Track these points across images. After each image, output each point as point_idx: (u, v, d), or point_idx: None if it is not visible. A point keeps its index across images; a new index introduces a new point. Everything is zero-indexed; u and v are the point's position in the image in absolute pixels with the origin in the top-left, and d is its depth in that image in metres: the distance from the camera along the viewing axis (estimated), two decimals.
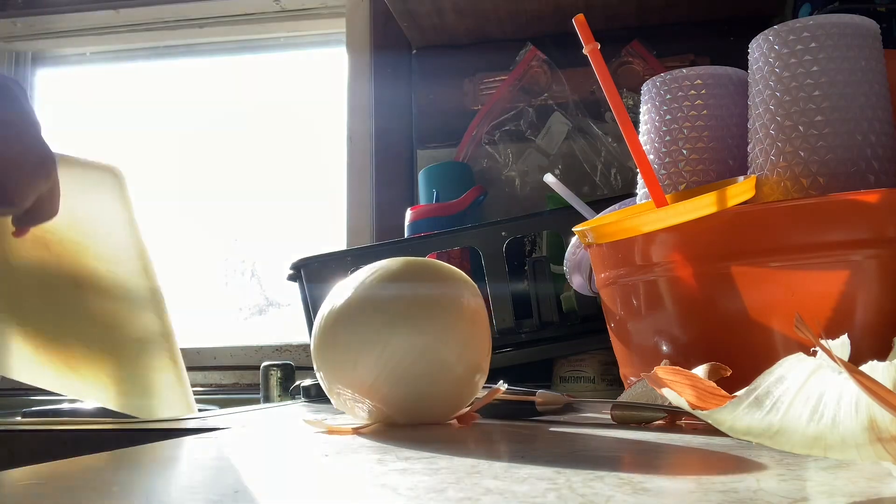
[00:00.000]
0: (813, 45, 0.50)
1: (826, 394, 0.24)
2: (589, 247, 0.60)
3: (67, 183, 0.62)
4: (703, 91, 0.59)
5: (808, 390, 0.24)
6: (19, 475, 0.31)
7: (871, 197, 0.45)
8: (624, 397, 0.48)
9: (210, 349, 1.34)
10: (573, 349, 0.87)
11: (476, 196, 1.11)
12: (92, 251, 0.70)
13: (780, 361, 0.25)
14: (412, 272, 0.48)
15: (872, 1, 0.82)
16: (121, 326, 0.73)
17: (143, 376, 0.75)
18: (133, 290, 0.71)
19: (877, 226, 0.45)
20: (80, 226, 0.67)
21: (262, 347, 1.34)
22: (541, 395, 0.51)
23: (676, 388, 0.31)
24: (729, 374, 0.41)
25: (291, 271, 0.92)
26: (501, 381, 0.51)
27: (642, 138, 0.62)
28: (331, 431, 0.45)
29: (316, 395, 0.82)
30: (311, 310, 0.91)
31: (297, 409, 0.72)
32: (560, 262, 0.75)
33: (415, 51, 1.29)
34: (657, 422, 0.46)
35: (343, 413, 0.60)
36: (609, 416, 0.48)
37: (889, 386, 0.23)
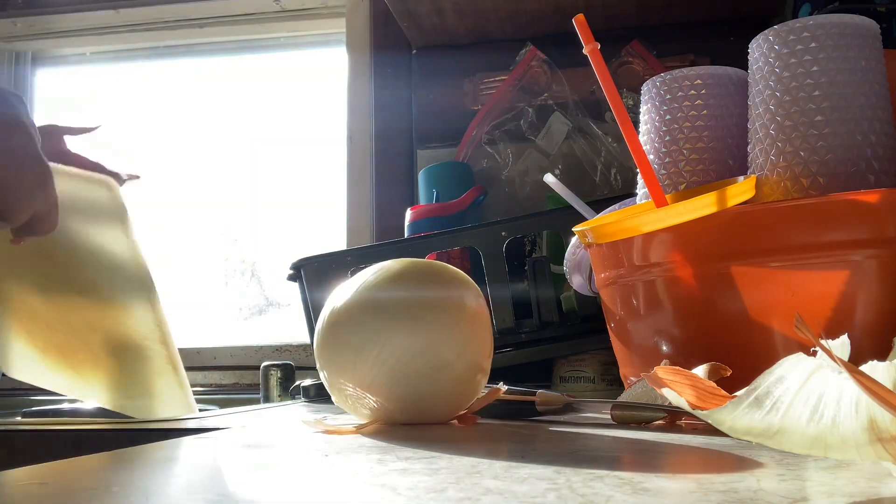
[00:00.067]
0: (813, 45, 0.50)
1: (826, 394, 0.24)
2: (589, 247, 0.60)
3: (63, 195, 0.62)
4: (703, 91, 0.59)
5: (808, 390, 0.24)
6: (19, 475, 0.31)
7: (871, 197, 0.45)
8: (624, 397, 0.48)
9: (210, 349, 1.34)
10: (573, 349, 0.87)
11: (476, 196, 1.11)
12: (90, 261, 0.71)
13: (780, 361, 0.25)
14: (414, 273, 0.48)
15: (872, 1, 0.82)
16: (120, 332, 0.74)
17: (143, 380, 0.76)
18: (131, 298, 0.72)
19: (877, 226, 0.45)
20: (77, 237, 0.68)
21: (262, 347, 1.34)
22: (541, 395, 0.51)
23: (676, 388, 0.31)
24: (729, 374, 0.41)
25: (291, 271, 0.92)
26: (501, 383, 0.51)
27: (642, 138, 0.62)
28: (329, 432, 0.45)
29: (316, 395, 0.82)
30: (310, 310, 0.91)
31: (297, 409, 0.72)
32: (560, 262, 0.75)
33: (415, 51, 1.29)
34: (657, 422, 0.46)
35: (343, 413, 0.60)
36: (609, 416, 0.48)
37: (889, 386, 0.23)
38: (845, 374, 0.23)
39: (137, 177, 0.78)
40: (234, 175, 1.45)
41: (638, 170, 0.57)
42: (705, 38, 1.18)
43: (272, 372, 1.04)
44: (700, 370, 0.41)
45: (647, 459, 0.33)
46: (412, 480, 0.27)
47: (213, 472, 0.32)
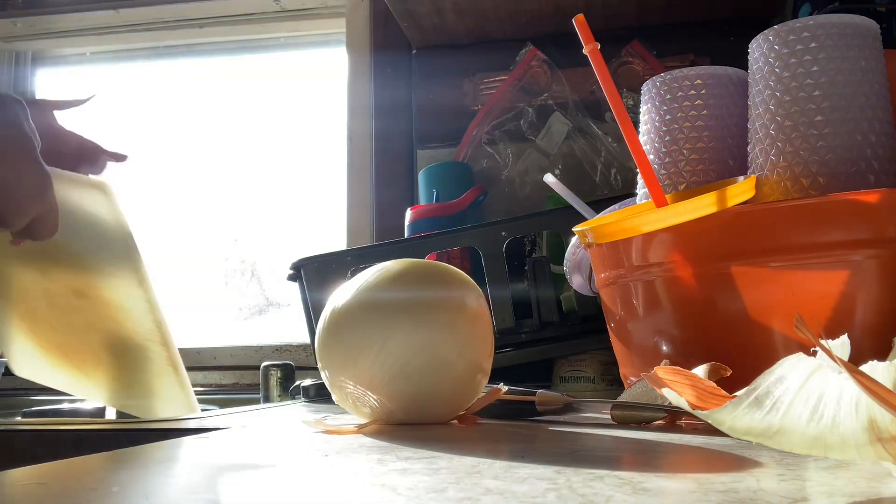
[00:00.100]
0: (813, 45, 0.50)
1: (826, 394, 0.24)
2: (589, 247, 0.60)
3: (59, 198, 0.62)
4: (703, 91, 0.59)
5: (808, 390, 0.24)
6: (19, 475, 0.31)
7: (871, 197, 0.45)
8: (624, 397, 0.48)
9: (210, 349, 1.34)
10: (573, 349, 0.87)
11: (476, 196, 1.11)
12: (90, 263, 0.71)
13: (780, 361, 0.25)
14: (414, 273, 0.48)
15: (872, 1, 0.82)
16: (121, 334, 0.75)
17: (144, 380, 0.76)
18: (130, 300, 0.72)
19: (877, 226, 0.45)
20: (75, 239, 0.68)
21: (262, 347, 1.34)
22: (541, 395, 0.51)
23: (676, 388, 0.31)
24: (729, 374, 0.41)
25: (291, 271, 0.92)
26: (501, 383, 0.51)
27: (642, 138, 0.62)
28: (329, 432, 0.45)
29: (316, 395, 0.82)
30: (310, 310, 0.91)
31: (297, 409, 0.72)
32: (560, 262, 0.75)
33: (415, 51, 1.29)
34: (657, 422, 0.46)
35: (343, 413, 0.60)
36: (609, 416, 0.48)
37: (889, 386, 0.23)
38: (845, 374, 0.23)
39: (125, 157, 0.77)
40: (234, 175, 1.45)
41: (638, 170, 0.57)
42: (705, 38, 1.18)
43: (272, 372, 1.04)
44: (700, 370, 0.41)
45: (647, 459, 0.33)
46: (412, 480, 0.27)
47: (213, 472, 0.32)
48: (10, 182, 0.57)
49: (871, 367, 0.24)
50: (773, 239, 0.46)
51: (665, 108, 0.60)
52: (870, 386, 0.22)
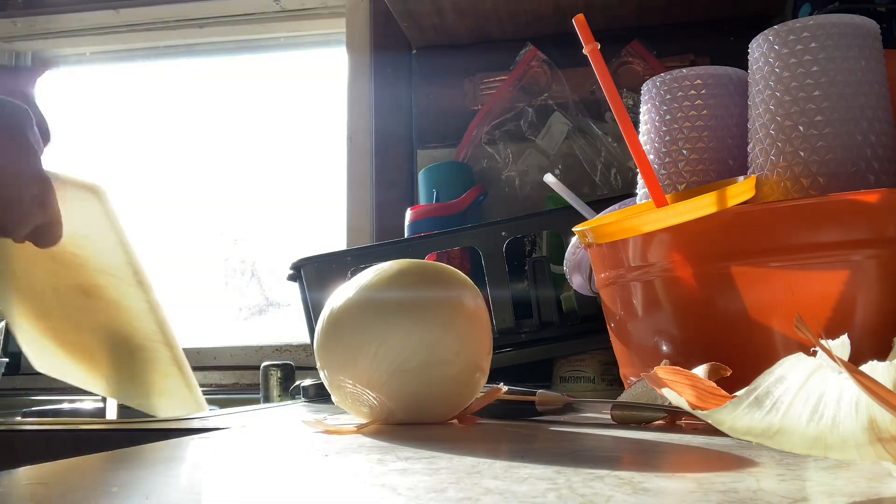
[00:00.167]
0: (813, 45, 0.50)
1: (826, 394, 0.24)
2: (589, 247, 0.60)
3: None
4: (703, 91, 0.59)
5: (808, 390, 0.24)
6: (19, 475, 0.31)
7: (871, 197, 0.45)
8: (624, 397, 0.48)
9: (210, 349, 1.34)
10: (573, 349, 0.87)
11: (476, 196, 1.11)
12: (91, 264, 0.72)
13: (780, 361, 0.25)
14: (412, 273, 0.48)
15: (872, 1, 0.82)
16: (126, 333, 0.75)
17: (153, 380, 0.77)
18: (130, 301, 0.73)
19: (877, 226, 0.45)
20: (75, 240, 0.68)
21: (262, 347, 1.34)
22: (541, 395, 0.51)
23: (676, 388, 0.31)
24: (729, 374, 0.41)
25: (291, 271, 0.92)
26: (501, 383, 0.51)
27: (642, 138, 0.62)
28: (329, 432, 0.45)
29: (316, 395, 0.82)
30: (310, 310, 0.91)
31: (297, 409, 0.72)
32: (560, 262, 0.75)
33: (415, 51, 1.29)
34: (657, 422, 0.46)
35: (343, 413, 0.60)
36: (609, 416, 0.48)
37: (889, 386, 0.23)
38: (845, 374, 0.23)
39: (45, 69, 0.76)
40: (234, 175, 1.45)
41: (638, 170, 0.57)
42: (705, 38, 1.18)
43: (272, 372, 1.04)
44: (700, 370, 0.41)
45: (647, 459, 0.33)
46: (412, 480, 0.27)
47: (213, 472, 0.32)
48: (12, 192, 0.57)
49: (871, 367, 0.24)
50: (773, 239, 0.46)
51: (665, 108, 0.60)
52: (870, 386, 0.22)
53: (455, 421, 0.49)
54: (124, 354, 0.76)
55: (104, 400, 1.00)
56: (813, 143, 0.50)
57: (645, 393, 0.47)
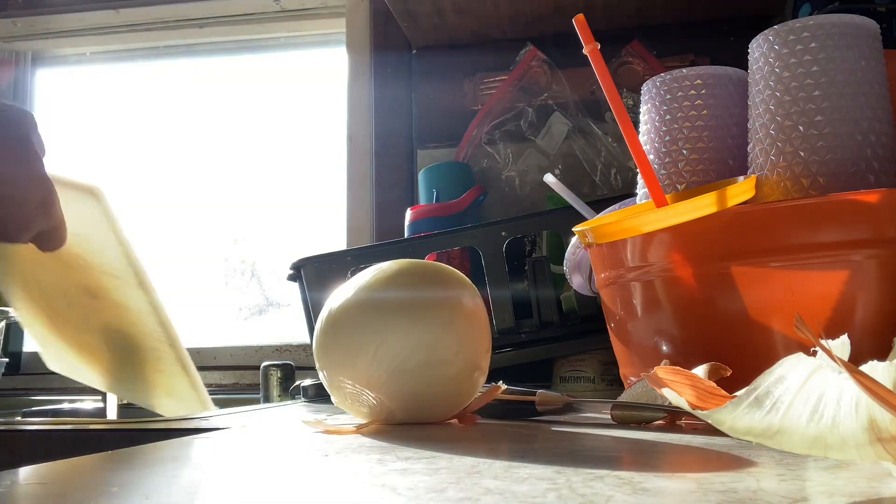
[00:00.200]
0: (813, 45, 0.50)
1: (826, 394, 0.24)
2: (589, 247, 0.60)
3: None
4: (703, 91, 0.59)
5: (808, 390, 0.24)
6: (19, 475, 0.31)
7: (871, 197, 0.45)
8: (624, 397, 0.48)
9: (210, 349, 1.34)
10: (573, 349, 0.87)
11: (476, 196, 1.11)
12: (96, 265, 0.72)
13: (780, 361, 0.25)
14: (411, 273, 0.48)
15: (872, 1, 0.82)
16: (131, 334, 0.76)
17: (159, 380, 0.77)
18: (133, 302, 0.73)
19: (877, 226, 0.45)
20: (77, 241, 0.69)
21: (262, 347, 1.34)
22: (541, 395, 0.51)
23: (676, 388, 0.31)
24: (729, 374, 0.41)
25: (291, 271, 0.92)
26: (500, 382, 0.51)
27: (642, 138, 0.62)
28: (329, 432, 0.45)
29: (316, 395, 0.82)
30: (310, 310, 0.91)
31: (297, 409, 0.72)
32: (560, 262, 0.75)
33: (415, 51, 1.29)
34: (657, 422, 0.46)
35: (343, 413, 0.60)
36: (609, 416, 0.48)
37: (889, 386, 0.23)
38: (845, 374, 0.23)
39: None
40: (234, 175, 1.45)
41: (638, 170, 0.57)
42: (705, 38, 1.18)
43: (272, 372, 1.04)
44: (700, 370, 0.41)
45: (647, 459, 0.33)
46: (412, 480, 0.27)
47: (213, 472, 0.32)
48: (15, 198, 0.57)
49: (871, 367, 0.24)
50: (773, 239, 0.46)
51: (665, 108, 0.60)
52: (870, 386, 0.22)
53: (455, 421, 0.49)
54: (131, 355, 0.77)
55: (104, 400, 1.00)
56: (813, 143, 0.50)
57: (645, 393, 0.47)
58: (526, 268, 0.89)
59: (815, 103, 0.50)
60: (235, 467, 0.33)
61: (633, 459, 0.33)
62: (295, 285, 0.93)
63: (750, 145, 0.55)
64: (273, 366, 1.05)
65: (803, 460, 0.30)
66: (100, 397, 1.02)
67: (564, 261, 0.70)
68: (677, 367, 0.32)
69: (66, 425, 0.62)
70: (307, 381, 0.85)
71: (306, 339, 0.98)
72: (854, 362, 0.23)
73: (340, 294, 0.48)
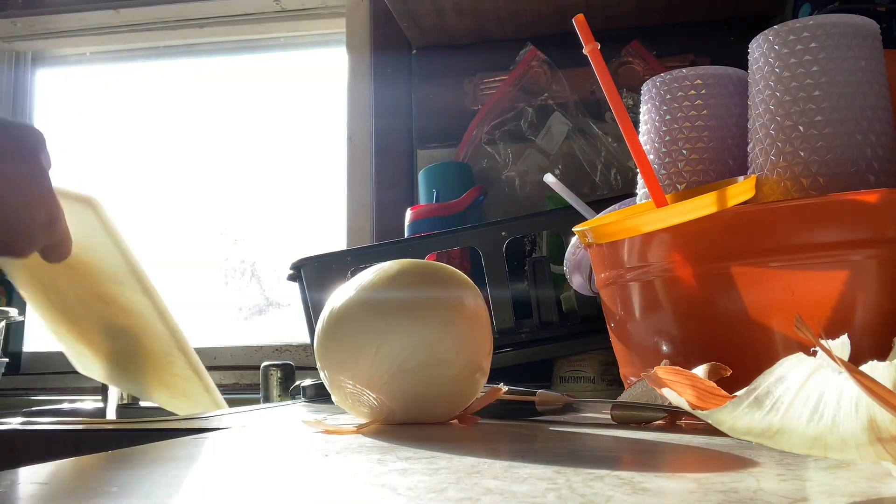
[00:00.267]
0: (813, 45, 0.50)
1: (826, 394, 0.24)
2: (589, 247, 0.60)
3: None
4: (703, 91, 0.59)
5: (808, 390, 0.24)
6: (19, 475, 0.31)
7: (871, 197, 0.45)
8: (624, 397, 0.48)
9: (210, 349, 1.34)
10: (573, 349, 0.87)
11: (476, 196, 1.11)
12: (103, 272, 0.73)
13: (780, 361, 0.25)
14: (412, 273, 0.48)
15: (872, 1, 0.82)
16: (142, 338, 0.77)
17: (173, 382, 0.79)
18: (141, 307, 0.74)
19: (877, 226, 0.45)
20: (81, 251, 0.70)
21: (262, 347, 1.34)
22: (541, 395, 0.51)
23: (676, 388, 0.31)
24: (729, 374, 0.41)
25: (291, 271, 0.92)
26: (501, 383, 0.51)
27: (642, 138, 0.62)
28: (329, 432, 0.45)
29: (315, 395, 0.82)
30: (310, 310, 0.91)
31: (297, 409, 0.72)
32: (560, 262, 0.75)
33: (415, 51, 1.29)
34: (657, 422, 0.46)
35: (343, 413, 0.60)
36: (609, 416, 0.48)
37: (889, 386, 0.23)
38: (845, 374, 0.23)
39: None
40: (234, 175, 1.45)
41: (638, 170, 0.57)
42: (705, 38, 1.18)
43: (272, 372, 1.04)
44: (700, 370, 0.41)
45: (647, 459, 0.33)
46: (412, 480, 0.27)
47: (213, 472, 0.32)
48: (21, 215, 0.58)
49: (871, 367, 0.24)
50: (773, 239, 0.46)
51: (665, 108, 0.60)
52: (870, 386, 0.22)
53: (455, 421, 0.49)
54: (145, 359, 0.78)
55: (104, 400, 1.00)
56: (813, 143, 0.50)
57: (645, 393, 0.47)
58: (526, 268, 0.89)
59: (815, 103, 0.50)
60: (235, 467, 0.33)
61: (633, 459, 0.33)
62: (295, 285, 0.93)
63: (750, 145, 0.55)
64: (273, 366, 1.05)
65: (803, 460, 0.30)
66: (100, 397, 1.02)
67: (564, 261, 0.70)
68: (677, 367, 0.32)
69: (66, 425, 0.62)
70: (307, 381, 0.85)
71: (306, 339, 0.98)
72: (854, 362, 0.23)
73: (342, 294, 0.48)
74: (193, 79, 1.50)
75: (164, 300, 0.74)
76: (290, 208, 1.40)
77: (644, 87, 0.62)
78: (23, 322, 1.32)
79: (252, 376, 1.28)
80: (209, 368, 1.23)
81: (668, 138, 0.60)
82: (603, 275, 0.57)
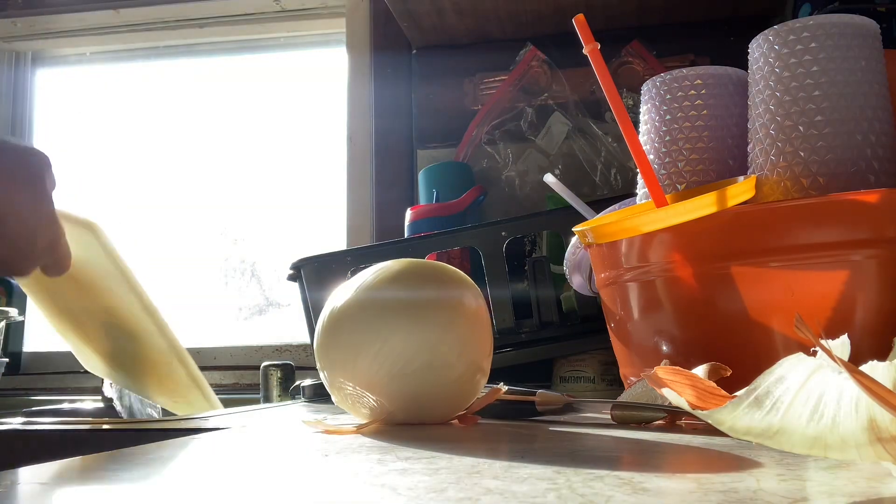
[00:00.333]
0: (813, 45, 0.50)
1: (826, 394, 0.24)
2: (589, 247, 0.60)
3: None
4: (703, 91, 0.59)
5: (808, 390, 0.24)
6: (19, 475, 0.31)
7: (871, 197, 0.45)
8: (624, 397, 0.48)
9: (210, 349, 1.34)
10: (573, 349, 0.87)
11: (476, 196, 1.11)
12: (104, 289, 0.75)
13: (780, 361, 0.25)
14: (413, 273, 0.48)
15: (872, 1, 0.82)
16: (145, 351, 0.78)
17: (174, 389, 0.80)
18: (141, 323, 0.76)
19: (877, 226, 0.45)
20: (83, 268, 0.71)
21: (262, 347, 1.34)
22: (541, 395, 0.51)
23: (676, 388, 0.31)
24: (729, 374, 0.41)
25: (291, 271, 0.92)
26: (501, 383, 0.51)
27: (642, 138, 0.62)
28: (329, 432, 0.45)
29: (315, 396, 0.82)
30: (310, 310, 0.91)
31: (297, 409, 0.72)
32: (560, 262, 0.75)
33: (415, 51, 1.29)
34: (657, 422, 0.46)
35: (343, 413, 0.60)
36: (609, 416, 0.48)
37: (889, 386, 0.23)
38: (845, 374, 0.23)
39: None
40: (234, 175, 1.45)
41: (638, 170, 0.57)
42: (705, 38, 1.18)
43: (272, 372, 1.04)
44: (700, 370, 0.41)
45: (647, 459, 0.33)
46: (412, 480, 0.27)
47: (213, 472, 0.32)
48: (25, 236, 0.59)
49: (871, 367, 0.24)
50: (773, 239, 0.46)
51: (665, 108, 0.60)
52: (870, 386, 0.22)
53: (455, 421, 0.49)
54: (147, 364, 0.80)
55: (104, 400, 1.00)
56: (813, 143, 0.50)
57: (645, 393, 0.47)
58: (526, 268, 0.89)
59: (815, 103, 0.50)
60: (235, 467, 0.33)
61: (633, 459, 0.33)
62: (295, 285, 0.93)
63: (750, 145, 0.55)
64: (273, 366, 1.05)
65: (803, 460, 0.30)
66: (99, 397, 1.02)
67: (564, 261, 0.70)
68: (677, 367, 0.32)
69: (66, 425, 0.62)
70: (307, 381, 0.84)
71: (306, 339, 0.98)
72: (854, 362, 0.23)
73: (342, 294, 0.48)
74: (193, 79, 1.50)
75: (162, 317, 0.76)
76: (290, 208, 1.40)
77: (644, 87, 0.62)
78: (23, 322, 1.32)
79: (252, 376, 1.28)
80: (209, 368, 1.24)
81: (668, 138, 0.60)
82: (603, 275, 0.57)
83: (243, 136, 1.45)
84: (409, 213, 1.08)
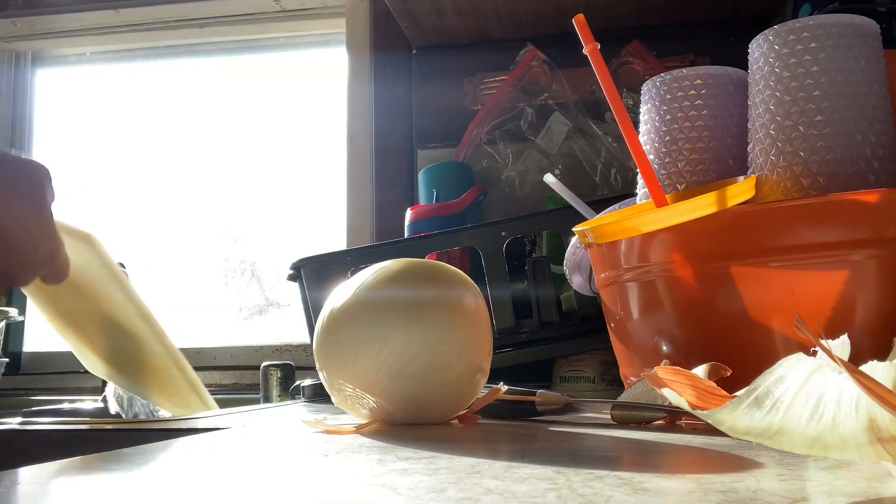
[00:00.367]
0: (813, 45, 0.50)
1: (826, 394, 0.24)
2: (589, 247, 0.60)
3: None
4: (703, 91, 0.59)
5: (808, 390, 0.24)
6: (19, 475, 0.31)
7: (871, 197, 0.45)
8: (624, 397, 0.48)
9: (210, 349, 1.34)
10: (573, 349, 0.87)
11: (476, 196, 1.11)
12: (102, 298, 0.76)
13: (780, 361, 0.25)
14: (413, 273, 0.48)
15: (872, 1, 0.82)
16: (143, 355, 0.79)
17: (173, 392, 0.81)
18: (138, 330, 0.77)
19: (877, 226, 0.45)
20: (82, 278, 0.72)
21: (262, 347, 1.34)
22: (541, 395, 0.51)
23: (676, 388, 0.31)
24: (729, 374, 0.41)
25: (291, 271, 0.92)
26: (501, 383, 0.51)
27: (642, 138, 0.62)
28: (329, 432, 0.45)
29: (315, 396, 0.82)
30: (310, 310, 0.91)
31: (297, 409, 0.72)
32: (560, 262, 0.75)
33: (415, 51, 1.29)
34: (657, 422, 0.46)
35: (343, 413, 0.60)
36: (609, 416, 0.48)
37: (889, 386, 0.23)
38: (845, 374, 0.23)
39: None
40: (234, 175, 1.45)
41: (638, 170, 0.57)
42: (705, 38, 1.18)
43: (272, 372, 1.04)
44: (700, 370, 0.41)
45: (647, 459, 0.33)
46: (412, 480, 0.27)
47: (213, 471, 0.32)
48: (25, 248, 0.60)
49: (871, 367, 0.24)
50: (773, 239, 0.46)
51: (665, 108, 0.60)
52: (870, 386, 0.22)
53: (455, 421, 0.49)
54: (146, 367, 0.80)
55: (104, 400, 1.00)
56: (813, 143, 0.50)
57: (645, 393, 0.47)
58: (526, 268, 0.89)
59: (815, 103, 0.50)
60: (235, 467, 0.33)
61: (633, 459, 0.33)
62: (295, 285, 0.93)
63: (750, 145, 0.55)
64: (273, 366, 1.05)
65: (803, 460, 0.30)
66: (99, 397, 1.02)
67: (564, 261, 0.70)
68: (677, 367, 0.32)
69: (66, 425, 0.62)
70: (307, 381, 0.84)
71: (306, 339, 0.98)
72: (854, 362, 0.23)
73: (342, 294, 0.48)
74: (193, 79, 1.50)
75: (159, 324, 0.77)
76: (290, 208, 1.40)
77: (644, 87, 0.62)
78: (23, 322, 1.32)
79: (252, 376, 1.28)
80: (209, 368, 1.24)
81: (668, 138, 0.60)
82: (603, 275, 0.57)
83: (243, 136, 1.45)
84: (409, 213, 1.08)
